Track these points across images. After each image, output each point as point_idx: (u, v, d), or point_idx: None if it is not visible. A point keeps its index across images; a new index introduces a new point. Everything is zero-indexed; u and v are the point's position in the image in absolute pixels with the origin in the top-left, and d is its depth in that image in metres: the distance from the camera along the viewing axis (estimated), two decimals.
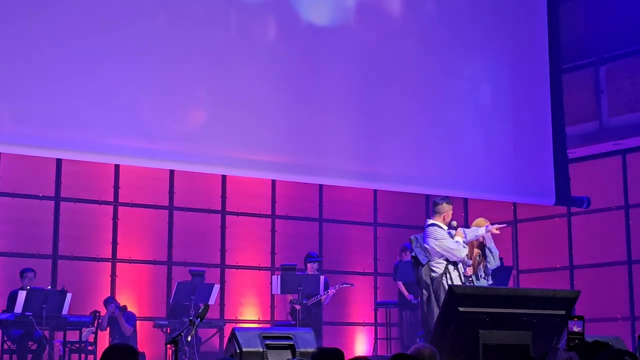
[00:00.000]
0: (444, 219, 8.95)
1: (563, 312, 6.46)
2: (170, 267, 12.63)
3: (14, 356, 10.50)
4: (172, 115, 9.92)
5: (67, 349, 10.71)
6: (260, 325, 12.86)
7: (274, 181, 13.30)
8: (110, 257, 12.29)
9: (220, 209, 13.10)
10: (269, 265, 13.25)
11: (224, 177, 13.00)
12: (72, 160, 11.19)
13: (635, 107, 12.69)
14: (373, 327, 13.58)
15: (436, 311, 8.50)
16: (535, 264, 14.05)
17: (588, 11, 13.72)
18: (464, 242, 8.87)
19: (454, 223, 8.97)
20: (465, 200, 14.57)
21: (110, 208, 12.37)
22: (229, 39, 10.34)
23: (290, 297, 11.62)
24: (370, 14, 11.35)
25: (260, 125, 10.34)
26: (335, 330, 13.48)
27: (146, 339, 11.93)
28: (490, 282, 9.20)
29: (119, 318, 11.12)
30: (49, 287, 11.17)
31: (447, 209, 9.00)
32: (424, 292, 8.77)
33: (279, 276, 11.28)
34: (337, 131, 10.92)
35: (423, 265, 8.82)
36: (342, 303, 13.34)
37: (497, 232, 8.94)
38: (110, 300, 11.33)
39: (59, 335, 10.83)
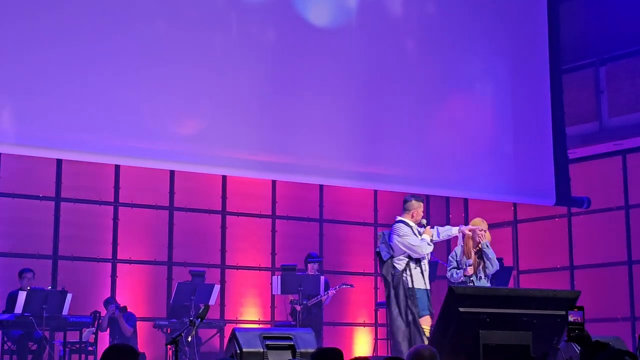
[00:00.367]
0: (412, 217, 8.97)
1: (563, 313, 6.44)
2: (170, 268, 12.62)
3: (14, 356, 10.50)
4: (172, 115, 9.93)
5: (67, 349, 10.71)
6: (261, 326, 12.86)
7: (274, 181, 13.30)
8: (111, 257, 12.29)
9: (220, 209, 13.10)
10: (269, 266, 13.25)
11: (224, 177, 12.99)
12: (72, 161, 11.19)
13: (636, 107, 12.69)
14: (373, 327, 13.57)
15: (394, 309, 8.55)
16: (536, 264, 14.04)
17: (588, 11, 13.72)
18: (431, 240, 8.89)
19: (424, 221, 8.99)
20: (466, 200, 14.57)
21: (111, 208, 12.37)
22: (229, 40, 10.34)
23: (290, 297, 11.62)
24: (370, 15, 11.35)
25: (260, 126, 10.34)
26: (335, 330, 13.48)
27: (146, 339, 11.93)
28: (489, 285, 9.18)
29: (119, 319, 11.12)
30: (49, 287, 11.17)
31: (415, 206, 9.02)
32: (386, 289, 8.81)
33: (279, 276, 11.28)
34: (337, 131, 10.92)
35: (385, 262, 8.84)
36: (343, 303, 13.34)
37: (469, 233, 8.92)
38: (110, 301, 11.33)
39: (59, 335, 10.83)
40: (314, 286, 11.41)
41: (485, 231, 9.14)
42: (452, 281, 9.09)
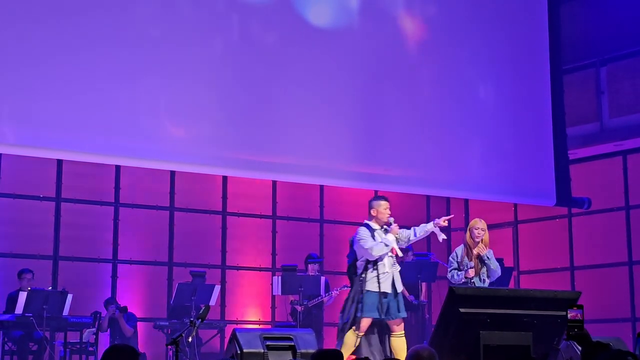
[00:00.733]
0: (376, 218, 8.83)
1: (564, 313, 6.45)
2: (170, 268, 12.62)
3: (15, 357, 10.51)
4: (172, 116, 9.92)
5: (67, 349, 10.71)
6: (261, 326, 12.86)
7: (274, 182, 13.30)
8: (111, 258, 12.29)
9: (221, 209, 13.10)
10: (270, 266, 13.25)
11: (224, 178, 12.99)
12: (72, 161, 11.19)
13: (636, 107, 12.69)
14: None
15: (349, 309, 8.51)
16: (536, 264, 14.04)
17: (589, 12, 13.72)
18: (401, 239, 8.83)
19: (391, 219, 8.85)
20: (466, 201, 14.57)
21: (111, 209, 12.37)
22: (230, 41, 10.34)
23: (291, 298, 11.62)
24: (371, 16, 11.35)
25: (261, 126, 10.34)
26: (335, 331, 13.47)
27: (147, 339, 11.93)
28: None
29: (119, 319, 11.12)
30: (50, 288, 11.17)
31: (374, 205, 8.90)
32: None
33: (279, 277, 11.28)
34: (337, 132, 10.92)
35: (348, 265, 8.80)
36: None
37: (445, 224, 8.82)
38: (110, 301, 11.33)
39: (59, 336, 10.83)
40: (315, 287, 11.40)
41: (483, 230, 9.11)
42: (453, 282, 9.07)
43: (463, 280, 9.03)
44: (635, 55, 12.92)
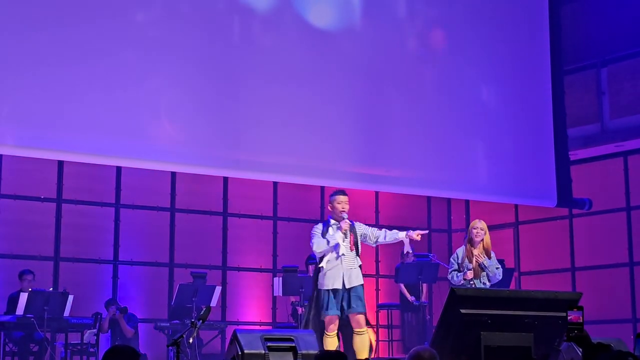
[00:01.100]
0: (332, 213, 8.75)
1: (564, 314, 6.45)
2: (171, 269, 12.62)
3: (16, 358, 10.51)
4: (173, 117, 9.92)
5: (68, 351, 10.71)
6: (262, 327, 12.86)
7: (275, 183, 13.30)
8: (112, 259, 12.29)
9: (222, 210, 13.10)
10: (271, 267, 13.25)
11: (225, 179, 12.99)
12: (73, 162, 11.19)
13: (637, 108, 12.69)
14: (375, 328, 13.57)
15: (312, 310, 8.45)
16: (537, 265, 14.04)
17: (589, 13, 13.72)
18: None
19: (344, 215, 8.71)
20: (467, 202, 14.57)
21: (112, 210, 12.38)
22: (231, 41, 10.34)
23: (292, 299, 11.62)
24: (373, 17, 11.35)
25: (261, 127, 10.34)
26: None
27: (148, 340, 11.94)
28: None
29: (119, 320, 11.12)
30: (51, 289, 11.17)
31: (330, 200, 8.82)
32: None
33: (280, 278, 11.28)
34: (338, 133, 10.92)
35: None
36: None
37: (418, 238, 8.69)
38: (111, 302, 11.34)
39: (60, 337, 10.84)
40: None
41: (482, 230, 9.10)
42: (453, 283, 9.07)
43: (462, 282, 9.02)
44: (636, 56, 12.91)
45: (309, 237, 8.72)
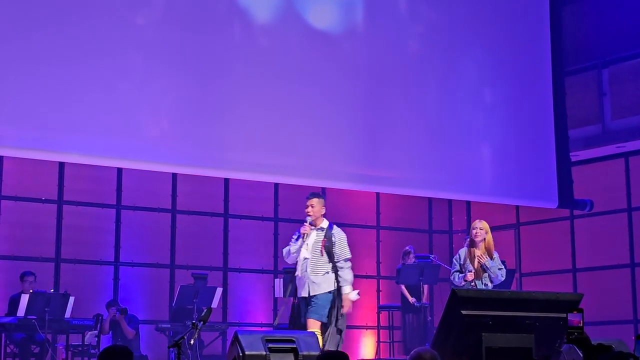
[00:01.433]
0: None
1: (566, 315, 6.45)
2: (172, 271, 12.63)
3: (17, 359, 10.51)
4: (174, 118, 9.92)
5: (69, 352, 10.72)
6: (263, 329, 12.85)
7: (276, 184, 13.30)
8: (113, 260, 12.29)
9: (223, 212, 13.10)
10: (272, 269, 13.24)
11: (226, 180, 13.00)
12: (74, 164, 11.20)
13: (638, 109, 12.68)
14: (376, 330, 13.57)
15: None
16: (538, 266, 14.04)
17: (591, 14, 13.72)
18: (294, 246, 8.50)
19: (308, 219, 8.54)
20: (468, 203, 14.57)
21: (113, 211, 12.38)
22: (232, 43, 10.34)
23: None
24: (374, 19, 11.35)
25: (262, 128, 10.33)
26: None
27: (149, 342, 11.94)
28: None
29: (120, 321, 11.12)
30: (52, 290, 11.17)
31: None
32: None
33: (281, 279, 11.28)
34: (339, 134, 10.91)
35: None
36: None
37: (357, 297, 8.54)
38: (112, 304, 11.34)
39: (61, 338, 10.84)
40: None
41: (482, 229, 9.10)
42: (454, 285, 9.07)
43: (463, 284, 9.02)
44: (637, 57, 12.91)
45: None
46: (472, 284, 8.98)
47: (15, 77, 9.06)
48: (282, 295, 11.34)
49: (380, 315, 13.34)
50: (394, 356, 12.73)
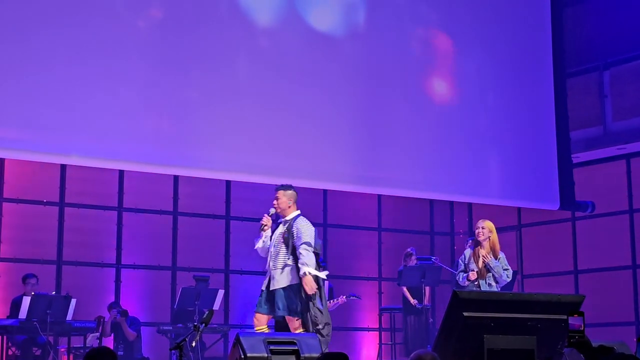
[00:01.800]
0: None
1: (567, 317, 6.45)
2: (174, 273, 12.63)
3: None
4: (175, 120, 9.93)
5: (71, 354, 10.71)
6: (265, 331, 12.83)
7: None
8: (115, 262, 12.30)
9: (224, 214, 13.10)
10: None
11: (228, 182, 13.00)
12: (76, 166, 11.20)
13: (639, 111, 12.68)
14: (377, 332, 13.56)
15: None
16: (540, 268, 14.04)
17: (592, 16, 13.72)
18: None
19: (271, 210, 8.48)
20: (470, 205, 14.57)
21: (115, 214, 12.38)
22: (233, 45, 10.34)
23: None
24: (375, 21, 11.36)
25: (264, 130, 10.34)
26: (339, 335, 13.46)
27: (150, 344, 11.93)
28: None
29: (121, 323, 11.12)
30: (54, 292, 11.17)
31: None
32: None
33: None
34: (341, 136, 10.92)
35: None
36: (347, 308, 13.32)
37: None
38: (113, 306, 11.34)
39: (63, 340, 10.83)
40: None
41: (484, 228, 9.10)
42: (460, 285, 9.09)
43: (466, 284, 9.02)
44: (638, 59, 12.91)
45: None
46: (476, 283, 8.97)
47: (17, 80, 9.07)
48: None
49: (382, 317, 13.33)
50: (395, 358, 12.72)
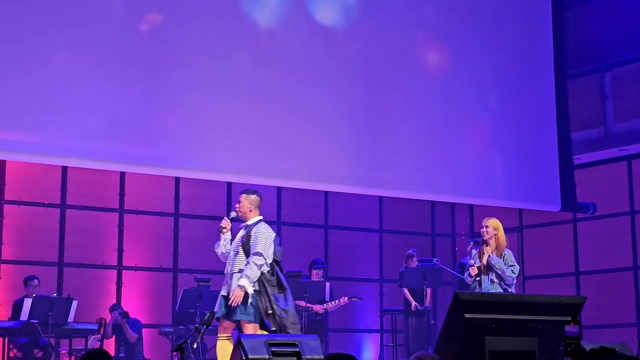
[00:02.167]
0: None
1: (569, 318, 6.45)
2: (175, 274, 12.63)
3: None
4: (177, 122, 9.93)
5: (72, 356, 10.72)
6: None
7: (279, 188, 13.30)
8: (116, 264, 12.30)
9: (226, 215, 13.08)
10: None
11: (229, 184, 13.00)
12: (77, 168, 11.21)
13: None
14: (379, 333, 13.56)
15: None
16: (541, 270, 14.03)
17: (593, 17, 13.72)
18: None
19: (232, 213, 8.43)
20: (471, 206, 14.57)
21: (116, 215, 12.39)
22: (234, 47, 10.35)
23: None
24: (377, 22, 11.36)
25: (265, 132, 10.34)
26: (341, 337, 13.47)
27: (152, 346, 11.93)
28: (505, 286, 9.06)
29: (123, 325, 11.11)
30: (55, 294, 11.18)
31: None
32: None
33: None
34: (342, 137, 10.92)
35: None
36: (348, 310, 13.33)
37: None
38: (114, 308, 11.35)
39: (64, 342, 10.84)
40: (319, 292, 11.40)
41: (487, 227, 9.10)
42: (467, 283, 9.13)
43: (469, 280, 9.05)
44: (639, 60, 12.91)
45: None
46: (478, 279, 8.97)
47: (18, 82, 9.07)
48: None
49: (383, 318, 13.33)
50: None
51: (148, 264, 12.48)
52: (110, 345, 11.26)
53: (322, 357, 6.85)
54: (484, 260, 9.02)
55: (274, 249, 8.15)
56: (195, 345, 6.75)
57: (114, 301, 11.91)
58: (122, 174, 12.27)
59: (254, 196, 8.39)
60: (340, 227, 13.94)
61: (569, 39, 13.20)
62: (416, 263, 12.21)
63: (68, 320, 10.24)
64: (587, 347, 5.45)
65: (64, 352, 10.86)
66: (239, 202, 8.36)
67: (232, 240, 8.36)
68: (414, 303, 12.03)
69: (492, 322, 6.53)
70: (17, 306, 10.42)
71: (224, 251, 8.33)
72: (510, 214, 14.08)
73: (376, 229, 14.31)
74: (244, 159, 10.29)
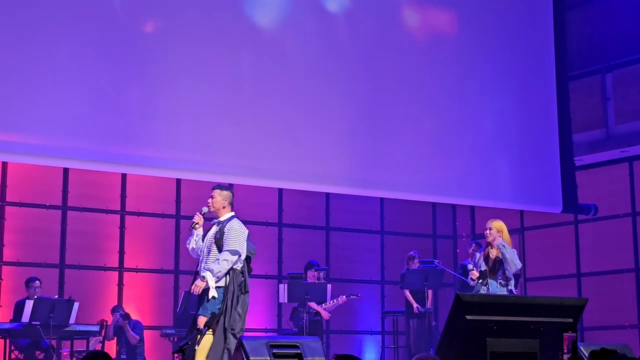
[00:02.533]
0: None
1: (571, 320, 6.44)
2: (177, 276, 12.63)
3: None
4: (178, 123, 9.93)
5: (74, 358, 10.72)
6: (267, 334, 12.85)
7: (280, 190, 13.30)
8: (117, 266, 12.30)
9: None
10: (276, 274, 13.24)
11: (230, 185, 12.98)
12: (79, 170, 11.21)
13: None
14: (380, 335, 13.56)
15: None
16: (543, 271, 14.03)
17: (595, 18, 13.72)
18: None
19: (203, 209, 8.32)
20: (472, 208, 14.56)
21: (117, 217, 12.39)
22: (235, 48, 10.35)
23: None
24: (377, 23, 11.36)
25: (266, 134, 10.35)
26: (342, 338, 13.47)
27: (153, 347, 11.94)
28: (511, 287, 9.07)
29: (124, 327, 11.12)
30: (56, 296, 11.18)
31: None
32: None
33: (285, 285, 11.28)
34: (343, 139, 10.92)
35: None
36: (349, 311, 13.34)
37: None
38: (115, 309, 11.35)
39: (66, 344, 10.84)
40: (321, 294, 11.40)
41: (491, 229, 9.11)
42: (471, 285, 9.14)
43: (472, 283, 9.05)
44: None
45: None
46: (485, 283, 8.96)
47: (19, 84, 9.07)
48: (285, 301, 11.34)
49: (385, 320, 13.33)
50: None
51: (149, 265, 12.48)
52: (111, 347, 11.26)
53: (324, 359, 6.85)
54: (490, 263, 9.00)
55: (247, 246, 8.06)
56: (196, 347, 6.74)
57: (116, 303, 11.91)
58: (124, 176, 12.28)
59: (227, 192, 8.30)
60: (342, 229, 13.94)
61: (571, 40, 13.20)
62: (417, 265, 12.21)
63: (69, 322, 10.25)
64: (589, 349, 5.45)
65: (65, 353, 10.86)
66: (212, 198, 8.25)
67: (204, 236, 8.18)
68: (415, 305, 12.03)
69: (494, 324, 6.53)
70: (19, 308, 10.42)
71: (194, 246, 8.17)
72: (512, 215, 14.07)
73: (377, 231, 14.31)
74: (246, 160, 10.29)
